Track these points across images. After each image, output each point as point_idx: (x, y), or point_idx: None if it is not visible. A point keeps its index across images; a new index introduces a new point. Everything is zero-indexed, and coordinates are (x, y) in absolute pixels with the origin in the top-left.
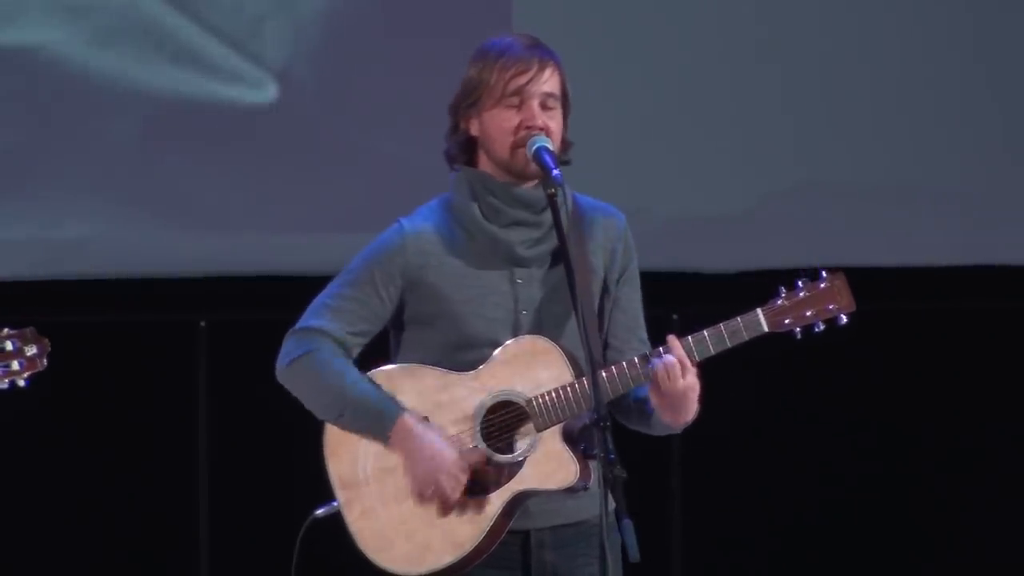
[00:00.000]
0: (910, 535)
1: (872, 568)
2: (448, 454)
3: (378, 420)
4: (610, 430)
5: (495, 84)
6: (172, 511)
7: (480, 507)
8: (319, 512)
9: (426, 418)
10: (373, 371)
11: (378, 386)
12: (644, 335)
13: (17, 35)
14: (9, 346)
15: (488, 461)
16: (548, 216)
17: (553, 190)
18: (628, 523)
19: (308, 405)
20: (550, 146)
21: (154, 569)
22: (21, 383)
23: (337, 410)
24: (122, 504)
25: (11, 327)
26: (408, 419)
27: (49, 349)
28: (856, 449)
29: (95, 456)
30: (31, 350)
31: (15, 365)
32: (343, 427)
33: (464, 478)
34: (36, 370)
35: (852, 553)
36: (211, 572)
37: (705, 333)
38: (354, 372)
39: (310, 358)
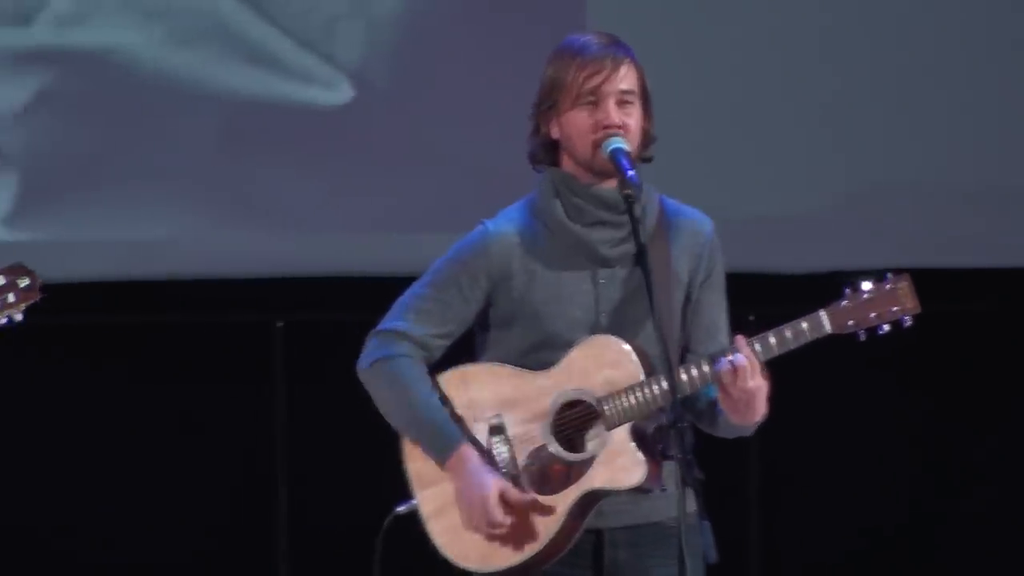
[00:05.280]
0: (994, 536)
1: (956, 570)
2: (485, 495)
3: (439, 445)
4: (687, 432)
5: (571, 85)
6: (250, 511)
7: (551, 505)
8: (400, 509)
9: (498, 415)
10: (450, 370)
11: (446, 408)
12: (726, 340)
13: (92, 37)
14: (1, 280)
15: (558, 460)
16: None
17: (629, 191)
18: (707, 524)
19: (380, 409)
20: (626, 146)
21: (234, 570)
22: (18, 316)
23: (403, 423)
24: (200, 504)
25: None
26: (466, 451)
27: (40, 281)
28: (937, 449)
29: (173, 456)
30: (24, 282)
31: (11, 298)
32: (407, 439)
33: (498, 522)
34: (32, 301)
35: (933, 556)
36: (292, 573)
37: (769, 334)
38: (427, 387)
39: (390, 364)
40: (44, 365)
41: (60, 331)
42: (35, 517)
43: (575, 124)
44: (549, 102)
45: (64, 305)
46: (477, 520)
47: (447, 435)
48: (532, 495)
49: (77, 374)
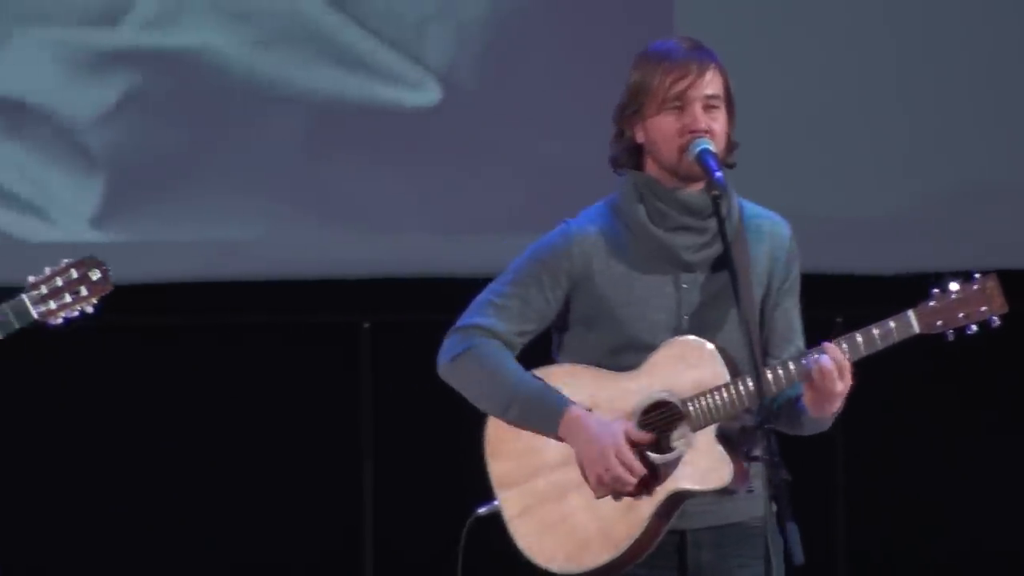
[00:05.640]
0: None
1: None
2: (618, 435)
3: (547, 413)
4: (774, 432)
5: (656, 90)
6: (336, 511)
7: (635, 506)
8: (481, 511)
9: (589, 410)
10: (531, 370)
11: (543, 381)
12: (802, 343)
13: (180, 38)
14: (74, 274)
15: (643, 461)
16: (713, 222)
17: (717, 192)
18: (793, 526)
19: (473, 399)
20: (713, 148)
21: (320, 569)
22: (90, 309)
23: (504, 404)
24: (287, 504)
25: (72, 259)
26: (576, 410)
27: (111, 274)
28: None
29: (259, 456)
30: (95, 275)
31: (83, 291)
32: (510, 421)
33: (634, 459)
34: (103, 293)
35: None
36: (375, 572)
37: (857, 334)
38: (519, 367)
39: (475, 353)
40: (131, 365)
41: (147, 331)
42: (127, 511)
43: (661, 128)
44: (634, 106)
45: (152, 306)
46: (609, 466)
47: (553, 400)
48: (652, 435)
49: (164, 374)
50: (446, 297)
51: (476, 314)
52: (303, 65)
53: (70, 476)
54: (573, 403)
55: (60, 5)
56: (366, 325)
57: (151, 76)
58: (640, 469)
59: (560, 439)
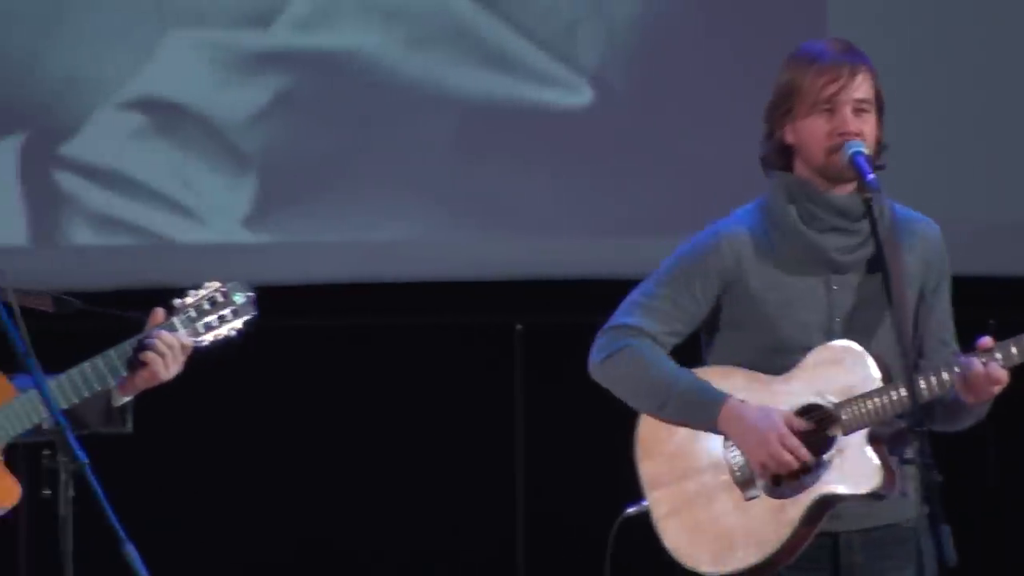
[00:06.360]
0: None
1: None
2: (779, 421)
3: (705, 405)
4: (927, 435)
5: (807, 92)
6: (488, 511)
7: (784, 509)
8: (630, 511)
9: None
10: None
11: (697, 376)
12: (955, 345)
13: (334, 38)
14: (220, 297)
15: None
16: (865, 224)
17: (869, 195)
18: (945, 528)
19: (626, 398)
20: (865, 151)
21: (471, 568)
22: (234, 333)
23: (659, 400)
24: (439, 504)
25: (218, 280)
26: (735, 400)
27: (255, 297)
28: None
29: (413, 456)
30: (241, 299)
31: (228, 314)
32: (665, 418)
33: (798, 442)
34: (247, 317)
35: None
36: (527, 571)
37: (1010, 343)
38: (673, 363)
39: (628, 351)
40: (283, 367)
41: (297, 332)
42: (280, 510)
43: (811, 131)
44: (785, 107)
45: (302, 307)
46: (772, 451)
47: (711, 393)
48: (811, 424)
49: (317, 376)
50: (598, 299)
51: (627, 314)
52: (454, 65)
53: (227, 478)
54: (731, 395)
55: (214, 6)
56: (519, 327)
57: (303, 77)
58: (804, 452)
59: (718, 431)
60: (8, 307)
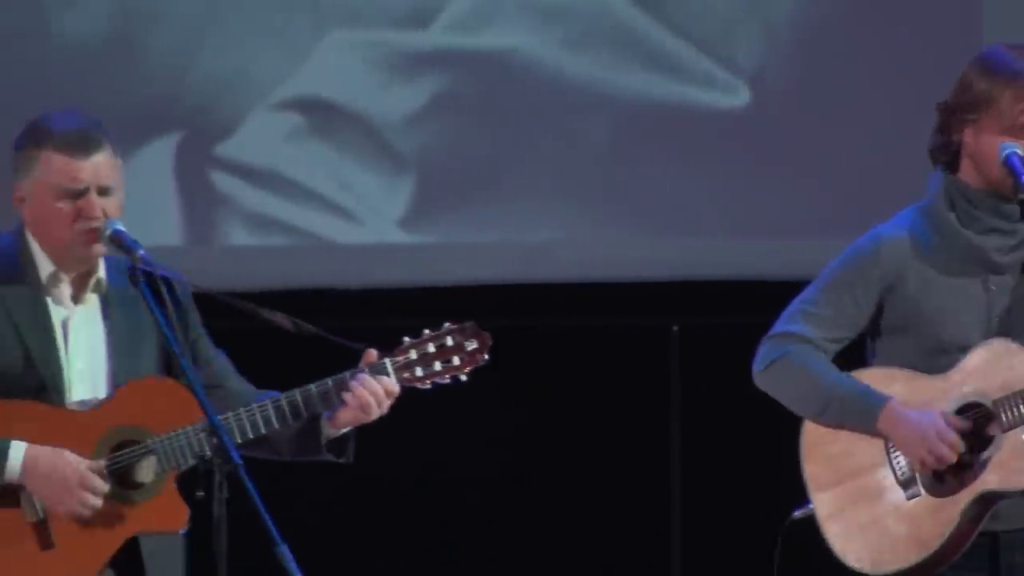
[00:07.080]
0: None
1: None
2: (937, 418)
3: (866, 408)
4: None
5: (1004, 114)
6: (645, 513)
7: (945, 507)
8: (797, 514)
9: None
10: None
11: (857, 380)
12: None
13: (494, 39)
14: (449, 341)
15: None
16: (1021, 226)
17: (1023, 196)
18: None
19: (789, 404)
20: (1021, 152)
21: (628, 570)
22: (462, 377)
23: (820, 405)
24: (594, 506)
25: (452, 322)
26: (895, 403)
27: (490, 343)
28: None
29: (568, 457)
30: (471, 345)
31: (456, 360)
32: (826, 422)
33: (955, 437)
34: (476, 364)
35: None
36: (682, 574)
37: None
38: (834, 369)
39: (789, 359)
40: None
41: None
42: (441, 517)
43: (996, 148)
44: (973, 115)
45: (457, 307)
46: (931, 446)
47: (871, 396)
48: (968, 423)
49: (471, 377)
50: (754, 301)
51: (789, 322)
52: (611, 66)
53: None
54: (892, 398)
55: (371, 7)
56: (675, 328)
57: (461, 77)
58: (960, 446)
59: (879, 434)
60: (167, 307)
